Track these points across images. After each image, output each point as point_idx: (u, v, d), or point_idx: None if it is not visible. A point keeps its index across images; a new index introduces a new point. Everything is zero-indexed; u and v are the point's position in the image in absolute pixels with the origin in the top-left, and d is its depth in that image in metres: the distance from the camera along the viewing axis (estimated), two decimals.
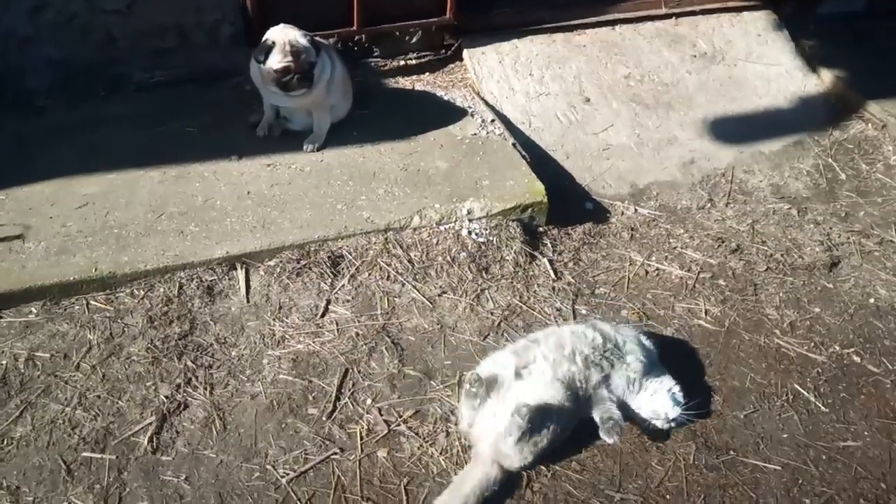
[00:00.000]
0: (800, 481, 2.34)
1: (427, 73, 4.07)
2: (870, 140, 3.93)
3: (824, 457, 2.41)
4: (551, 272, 3.01)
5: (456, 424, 2.38)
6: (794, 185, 3.63)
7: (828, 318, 2.91)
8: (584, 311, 2.87)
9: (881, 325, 2.89)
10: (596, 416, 2.31)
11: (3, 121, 3.42)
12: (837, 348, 2.79)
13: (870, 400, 2.61)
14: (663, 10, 4.34)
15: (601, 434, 2.27)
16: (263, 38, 3.17)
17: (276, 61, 3.12)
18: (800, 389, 2.62)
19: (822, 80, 4.22)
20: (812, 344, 2.80)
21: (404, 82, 3.99)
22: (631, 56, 4.16)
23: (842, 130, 3.99)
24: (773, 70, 4.21)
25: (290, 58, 3.11)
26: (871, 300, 3.00)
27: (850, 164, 3.78)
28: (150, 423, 2.35)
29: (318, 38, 3.27)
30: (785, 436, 2.47)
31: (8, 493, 2.16)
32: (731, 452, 2.40)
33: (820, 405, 2.57)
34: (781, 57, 4.29)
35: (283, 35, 3.13)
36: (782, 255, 3.18)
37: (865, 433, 2.50)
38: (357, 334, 2.69)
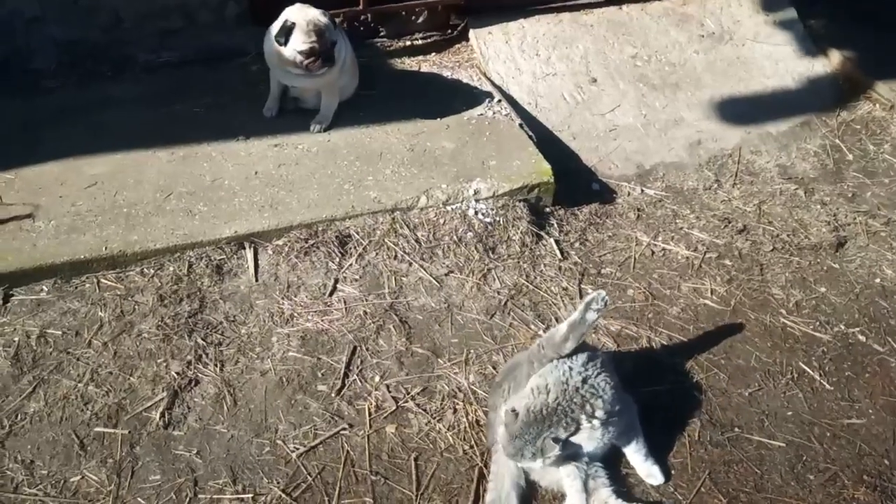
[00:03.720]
0: (804, 458, 2.36)
1: (433, 54, 4.06)
2: (877, 121, 3.92)
3: (828, 434, 2.43)
4: (558, 252, 3.02)
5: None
6: (801, 165, 3.63)
7: (833, 297, 2.92)
8: (590, 290, 2.88)
9: (886, 305, 2.90)
10: None
11: (10, 102, 3.44)
12: (843, 327, 2.80)
13: (874, 378, 2.62)
14: None
15: None
16: (283, 19, 3.14)
17: (300, 42, 3.10)
18: (805, 368, 2.64)
19: (829, 61, 4.20)
20: (817, 323, 2.81)
21: (410, 62, 3.98)
22: (638, 36, 4.14)
23: (849, 111, 3.97)
24: (781, 50, 4.19)
25: (314, 37, 3.09)
26: (877, 280, 3.01)
27: (858, 145, 3.77)
28: (162, 399, 2.38)
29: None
30: (790, 413, 2.49)
31: (23, 466, 2.20)
32: (736, 429, 2.42)
33: (825, 383, 2.59)
34: (789, 37, 4.26)
35: (303, 14, 3.10)
36: (788, 236, 3.18)
37: (869, 411, 2.51)
38: (365, 313, 2.71)
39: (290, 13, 3.14)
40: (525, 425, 2.07)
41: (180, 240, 2.79)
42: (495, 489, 2.18)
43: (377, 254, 2.90)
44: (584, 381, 2.14)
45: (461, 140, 3.36)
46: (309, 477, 2.23)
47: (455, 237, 2.97)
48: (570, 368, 2.16)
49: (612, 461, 2.27)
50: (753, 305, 2.87)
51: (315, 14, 3.12)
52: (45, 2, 3.52)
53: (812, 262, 3.07)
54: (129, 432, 2.30)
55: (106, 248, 2.73)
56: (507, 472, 2.20)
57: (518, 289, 2.86)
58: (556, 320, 2.74)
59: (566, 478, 2.14)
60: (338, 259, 2.86)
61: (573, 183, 3.35)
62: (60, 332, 2.55)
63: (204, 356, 2.52)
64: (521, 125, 3.48)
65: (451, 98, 3.64)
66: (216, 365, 2.50)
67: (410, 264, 2.88)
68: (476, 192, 3.08)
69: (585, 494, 2.14)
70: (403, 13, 4.07)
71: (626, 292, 2.90)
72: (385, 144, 3.31)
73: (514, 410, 2.08)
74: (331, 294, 2.76)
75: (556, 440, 2.05)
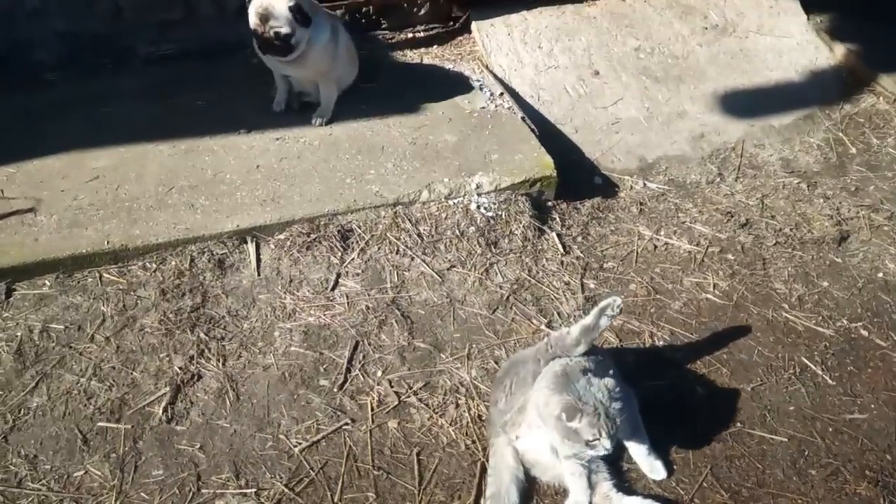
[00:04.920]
0: (806, 453, 2.36)
1: (435, 46, 4.04)
2: (881, 114, 3.90)
3: (831, 429, 2.43)
4: (560, 246, 3.01)
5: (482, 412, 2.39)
6: (805, 159, 3.62)
7: (836, 292, 2.92)
8: (592, 286, 2.88)
9: (889, 300, 2.89)
10: None
11: (11, 95, 3.43)
12: (845, 322, 2.79)
13: (877, 373, 2.62)
14: None
15: None
16: None
17: (250, 20, 3.09)
18: (807, 363, 2.63)
19: (833, 53, 4.18)
20: (820, 318, 2.80)
21: (412, 55, 3.96)
22: (641, 28, 4.12)
23: (853, 104, 3.95)
24: (785, 43, 4.17)
25: (256, 20, 3.07)
26: (880, 275, 3.00)
27: (861, 139, 3.76)
28: (165, 394, 2.39)
29: (312, 6, 3.18)
30: (792, 408, 2.49)
31: (26, 461, 2.21)
32: (738, 424, 2.42)
33: (827, 378, 2.59)
34: (793, 29, 4.24)
35: None
36: (791, 230, 3.17)
37: (872, 406, 2.51)
38: (367, 307, 2.71)
39: None
40: (564, 378, 2.07)
41: (182, 234, 2.79)
42: (495, 483, 2.19)
43: (379, 248, 2.90)
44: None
45: (463, 133, 3.35)
46: (311, 472, 2.23)
47: (457, 231, 2.97)
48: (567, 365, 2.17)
49: (613, 456, 2.27)
50: (756, 300, 2.86)
51: (274, 0, 3.04)
52: None
53: (815, 257, 3.06)
54: (132, 427, 2.31)
55: (108, 243, 2.73)
56: (505, 467, 2.20)
57: (520, 283, 2.85)
58: (559, 315, 2.74)
59: (569, 474, 2.15)
60: (340, 253, 2.85)
61: (575, 176, 3.34)
62: (63, 327, 2.56)
63: (206, 351, 2.52)
64: (523, 118, 3.47)
65: (453, 91, 3.63)
66: (219, 359, 2.50)
67: (412, 259, 2.88)
68: (478, 186, 3.08)
69: (590, 490, 2.14)
70: (405, 5, 4.05)
71: (628, 287, 2.90)
72: (387, 138, 3.30)
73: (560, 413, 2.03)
74: (333, 288, 2.76)
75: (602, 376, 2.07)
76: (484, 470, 2.25)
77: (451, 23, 4.15)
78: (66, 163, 3.06)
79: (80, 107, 3.36)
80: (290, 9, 3.04)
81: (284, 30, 3.06)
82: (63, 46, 3.61)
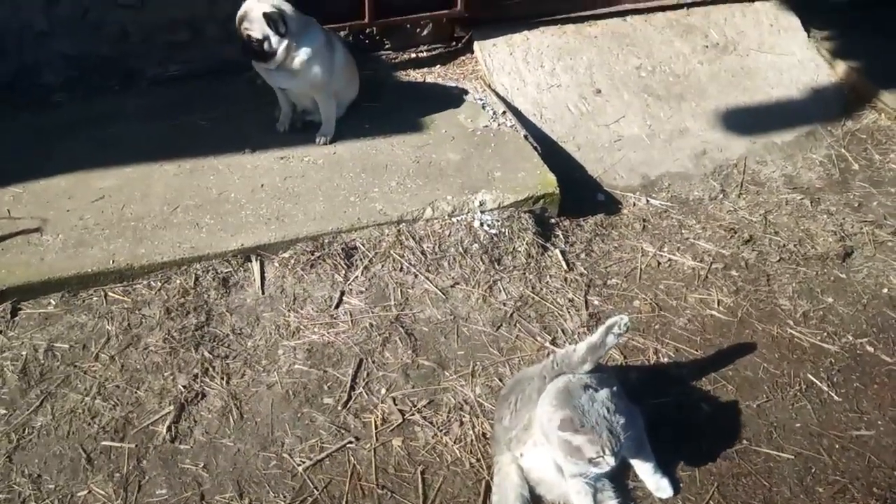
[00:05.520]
0: (813, 470, 2.34)
1: (438, 66, 4.08)
2: (883, 130, 3.91)
3: (837, 446, 2.42)
4: (563, 263, 3.02)
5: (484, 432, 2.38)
6: (807, 175, 3.62)
7: (841, 308, 2.91)
8: (596, 302, 2.88)
9: (894, 316, 2.88)
10: None
11: (19, 115, 3.47)
12: (850, 338, 2.78)
13: (883, 390, 2.61)
14: (674, 1, 4.33)
15: None
16: None
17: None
18: (813, 379, 2.62)
19: (835, 70, 4.20)
20: (825, 334, 2.79)
21: (415, 75, 4.00)
22: (642, 47, 4.15)
23: (855, 120, 3.97)
24: (786, 60, 4.20)
25: (236, 22, 3.13)
26: (885, 290, 3.00)
27: (864, 155, 3.77)
28: (169, 413, 2.39)
29: (301, 18, 3.20)
30: (798, 425, 2.47)
31: (30, 480, 2.20)
32: (745, 441, 2.41)
33: (833, 395, 2.58)
34: (794, 47, 4.27)
35: (249, 3, 3.13)
36: (795, 246, 3.17)
37: (879, 422, 2.50)
38: (371, 325, 2.71)
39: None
40: (566, 394, 2.06)
41: (187, 253, 2.80)
42: (500, 502, 2.18)
43: (383, 266, 2.90)
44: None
45: (466, 152, 3.37)
46: (315, 491, 2.22)
47: (461, 249, 2.97)
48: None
49: (618, 474, 2.25)
50: (760, 316, 2.86)
51: (251, 5, 3.10)
52: (54, 16, 3.55)
53: (819, 273, 3.06)
54: (136, 446, 2.30)
55: (113, 262, 2.74)
56: (510, 485, 2.19)
57: (524, 300, 2.85)
58: (563, 332, 2.74)
59: (574, 493, 2.13)
60: (343, 271, 2.86)
61: (578, 194, 3.35)
62: (68, 346, 2.56)
63: (210, 369, 2.52)
64: (525, 136, 3.49)
65: (455, 110, 3.66)
66: (223, 378, 2.50)
67: (416, 276, 2.89)
68: (481, 204, 3.09)
69: None
70: (408, 26, 4.09)
71: (632, 303, 2.89)
72: (390, 156, 3.32)
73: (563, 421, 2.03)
74: (337, 306, 2.77)
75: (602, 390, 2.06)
76: (489, 488, 2.24)
77: (454, 43, 4.19)
78: (72, 183, 3.08)
79: (86, 127, 3.39)
80: (265, 15, 3.08)
81: (255, 34, 3.11)
82: (70, 68, 3.65)
